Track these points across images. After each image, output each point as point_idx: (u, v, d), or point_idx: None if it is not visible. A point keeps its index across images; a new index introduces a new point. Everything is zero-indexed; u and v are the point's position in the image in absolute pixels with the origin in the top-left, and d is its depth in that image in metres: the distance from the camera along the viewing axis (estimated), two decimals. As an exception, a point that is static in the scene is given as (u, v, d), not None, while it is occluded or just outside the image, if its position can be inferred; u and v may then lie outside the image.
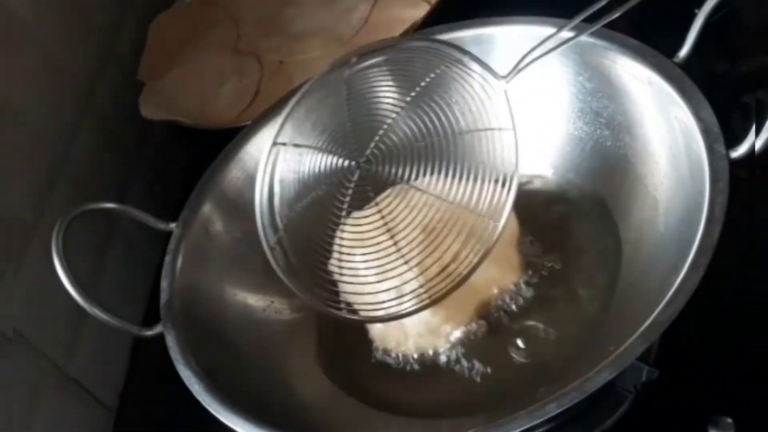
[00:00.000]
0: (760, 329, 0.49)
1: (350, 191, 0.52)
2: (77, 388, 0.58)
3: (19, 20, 0.61)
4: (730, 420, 0.44)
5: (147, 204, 0.56)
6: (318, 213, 0.53)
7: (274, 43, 0.75)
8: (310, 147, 0.54)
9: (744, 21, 0.61)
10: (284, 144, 0.55)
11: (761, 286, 0.50)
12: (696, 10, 0.50)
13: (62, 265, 0.49)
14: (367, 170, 0.53)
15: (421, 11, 0.70)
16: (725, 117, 0.46)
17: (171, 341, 0.48)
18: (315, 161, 0.54)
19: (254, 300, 0.55)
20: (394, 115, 0.53)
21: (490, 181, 0.49)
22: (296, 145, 0.55)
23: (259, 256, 0.57)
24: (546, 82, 0.56)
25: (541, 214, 0.56)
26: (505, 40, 0.57)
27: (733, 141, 0.44)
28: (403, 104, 0.53)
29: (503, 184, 0.49)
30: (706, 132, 0.45)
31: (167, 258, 0.53)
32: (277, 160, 0.54)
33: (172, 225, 0.54)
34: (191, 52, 0.77)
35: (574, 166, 0.57)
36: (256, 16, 0.78)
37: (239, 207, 0.57)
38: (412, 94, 0.53)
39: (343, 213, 0.52)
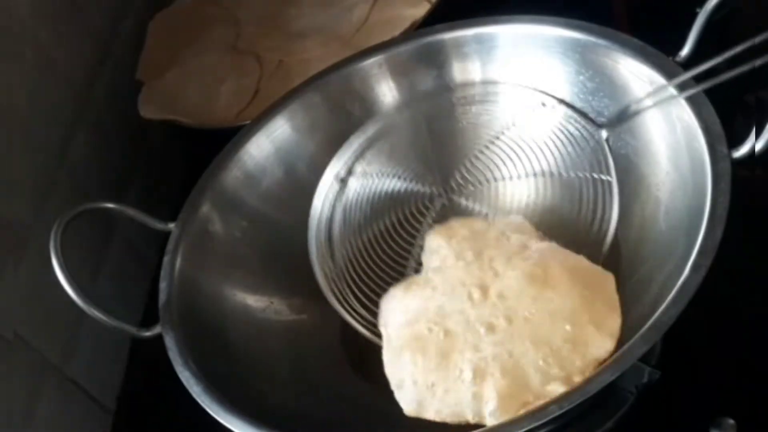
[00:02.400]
0: (762, 330, 0.49)
1: (428, 219, 0.53)
2: (76, 389, 0.58)
3: (18, 19, 0.61)
4: (732, 421, 0.44)
5: (146, 204, 0.56)
6: (387, 241, 0.54)
7: (273, 42, 0.75)
8: (385, 174, 0.55)
9: (745, 20, 0.61)
10: (350, 174, 0.56)
11: (763, 287, 0.50)
12: (697, 9, 0.50)
13: (60, 266, 0.49)
14: (449, 200, 0.55)
15: (421, 10, 0.70)
16: (727, 116, 0.46)
17: (170, 342, 0.48)
18: (389, 187, 0.55)
19: (253, 300, 0.55)
20: (483, 150, 0.55)
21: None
22: (366, 174, 0.56)
23: (258, 256, 0.57)
24: (547, 82, 0.55)
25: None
26: (506, 39, 0.56)
27: (735, 141, 0.44)
28: (491, 141, 0.55)
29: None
30: (707, 132, 0.45)
31: (166, 258, 0.53)
32: (343, 189, 0.56)
33: (171, 225, 0.54)
34: (190, 51, 0.76)
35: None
36: (256, 15, 0.78)
37: (238, 207, 0.57)
38: (501, 131, 0.55)
39: (416, 241, 0.52)
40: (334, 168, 0.57)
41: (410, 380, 0.45)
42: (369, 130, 0.58)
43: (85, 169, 0.65)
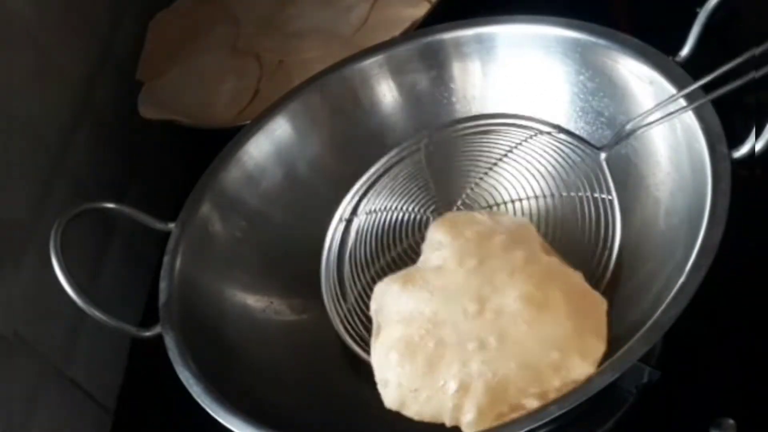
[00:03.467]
0: (763, 330, 0.48)
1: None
2: (76, 389, 0.58)
3: (19, 20, 0.61)
4: (732, 421, 0.44)
5: (146, 204, 0.56)
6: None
7: (273, 42, 0.75)
8: (387, 210, 0.56)
9: (746, 20, 0.61)
10: (354, 215, 0.57)
11: (763, 287, 0.50)
12: (698, 9, 0.50)
13: (60, 266, 0.49)
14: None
15: (421, 10, 0.69)
16: (727, 116, 0.46)
17: (170, 342, 0.48)
18: (393, 220, 0.56)
19: (253, 300, 0.55)
20: (480, 177, 0.55)
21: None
22: (371, 211, 0.57)
23: (258, 256, 0.57)
24: (548, 82, 0.55)
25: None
26: (506, 39, 0.56)
27: (735, 141, 0.44)
28: (489, 167, 0.56)
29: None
30: (708, 132, 0.45)
31: (166, 258, 0.53)
32: (348, 229, 0.57)
33: (171, 225, 0.54)
34: (190, 51, 0.76)
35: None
36: (256, 15, 0.78)
37: (238, 207, 0.57)
38: (500, 158, 0.56)
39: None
40: (339, 212, 0.58)
41: (395, 381, 0.46)
42: (371, 170, 0.58)
43: (85, 169, 0.65)
